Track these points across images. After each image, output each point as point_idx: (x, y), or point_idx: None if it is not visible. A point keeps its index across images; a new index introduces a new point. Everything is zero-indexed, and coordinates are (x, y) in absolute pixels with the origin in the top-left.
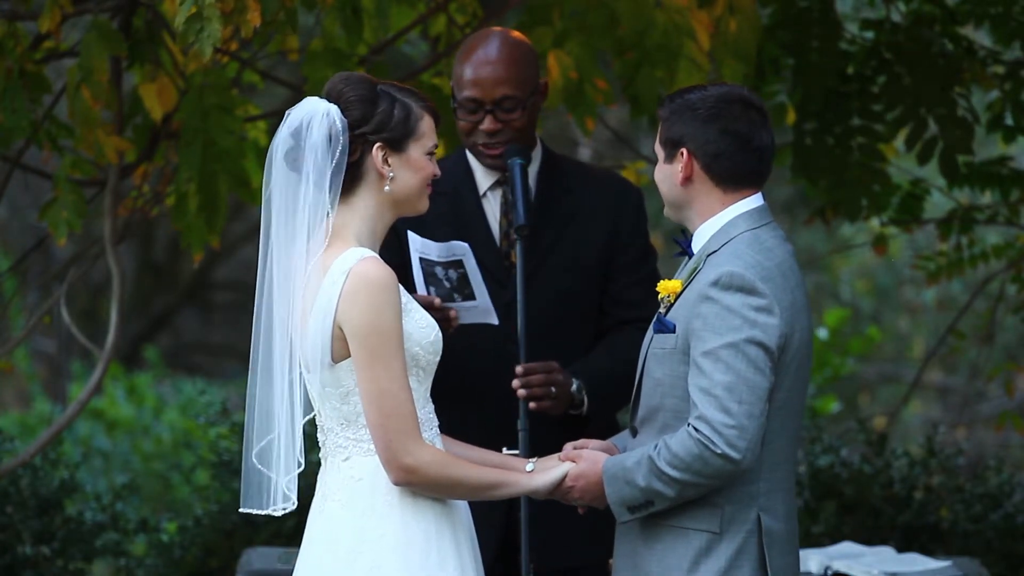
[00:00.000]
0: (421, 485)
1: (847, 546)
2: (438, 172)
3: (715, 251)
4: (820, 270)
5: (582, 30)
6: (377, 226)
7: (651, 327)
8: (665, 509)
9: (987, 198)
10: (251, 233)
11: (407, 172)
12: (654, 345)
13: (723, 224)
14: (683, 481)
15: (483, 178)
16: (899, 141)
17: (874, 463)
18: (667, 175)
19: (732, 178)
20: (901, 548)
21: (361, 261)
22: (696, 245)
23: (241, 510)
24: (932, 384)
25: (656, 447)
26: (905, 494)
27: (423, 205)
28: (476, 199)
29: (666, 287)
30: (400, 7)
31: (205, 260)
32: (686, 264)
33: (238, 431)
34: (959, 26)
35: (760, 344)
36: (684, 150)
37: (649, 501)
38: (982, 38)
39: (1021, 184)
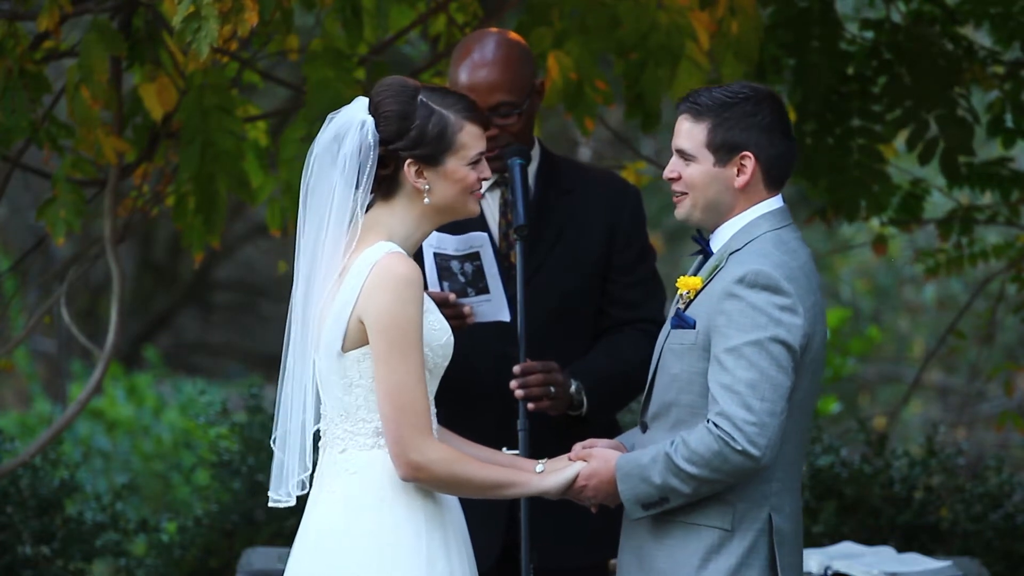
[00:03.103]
0: (428, 482)
1: (847, 546)
2: (487, 174)
3: (738, 249)
4: (820, 270)
5: (582, 30)
6: (415, 232)
7: (668, 322)
8: (679, 506)
9: (987, 198)
10: (251, 233)
11: (444, 184)
12: (671, 340)
13: (745, 223)
14: (700, 478)
15: None
16: (899, 141)
17: (874, 463)
18: (718, 178)
19: (781, 180)
20: (901, 548)
21: (387, 256)
22: (716, 243)
23: (270, 499)
24: (932, 384)
25: (673, 444)
26: (905, 494)
27: (471, 208)
28: None
29: (686, 283)
30: (400, 7)
31: (205, 260)
32: (699, 261)
33: (238, 431)
34: (959, 26)
35: (784, 343)
36: (749, 156)
37: (664, 498)
38: (982, 38)
39: (1021, 184)
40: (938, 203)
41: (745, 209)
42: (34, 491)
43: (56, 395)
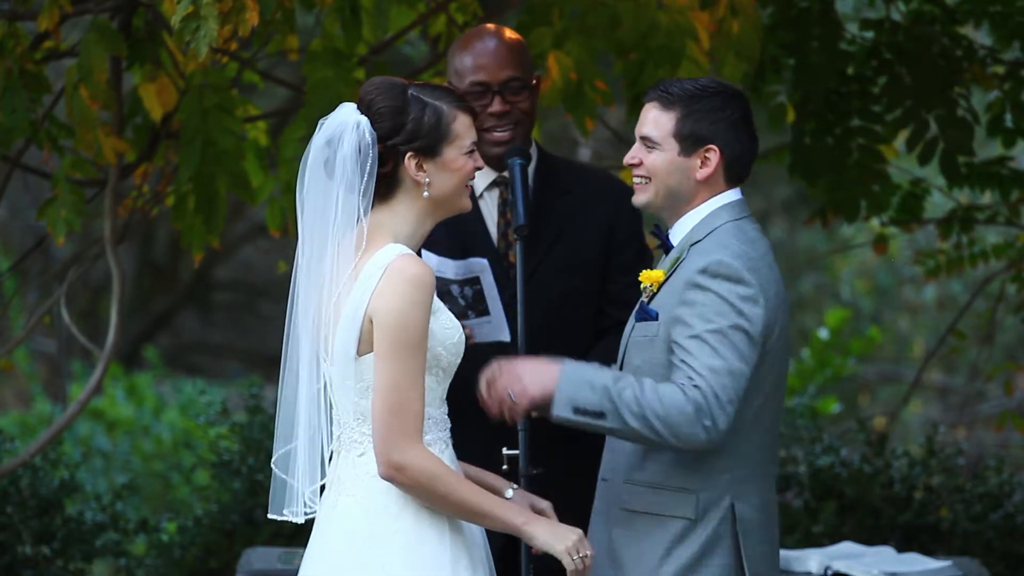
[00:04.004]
0: (405, 485)
1: (847, 546)
2: (480, 164)
3: (698, 241)
4: (820, 270)
5: (582, 30)
6: (417, 230)
7: (632, 316)
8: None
9: (987, 198)
10: (251, 233)
11: (444, 175)
12: (635, 333)
13: (705, 215)
14: (648, 425)
15: (480, 179)
16: (899, 141)
17: (874, 463)
18: (680, 167)
19: (742, 176)
20: (901, 548)
21: (400, 257)
22: (676, 236)
23: (269, 515)
24: (932, 384)
25: (643, 386)
26: (905, 494)
27: (464, 204)
28: (473, 200)
29: (648, 276)
30: (400, 7)
31: (205, 260)
32: (665, 254)
33: (238, 431)
34: (959, 26)
35: (745, 332)
36: (714, 149)
37: (600, 413)
38: (982, 38)
39: (1021, 184)
40: (938, 203)
41: (704, 201)
42: (34, 491)
43: (56, 395)
